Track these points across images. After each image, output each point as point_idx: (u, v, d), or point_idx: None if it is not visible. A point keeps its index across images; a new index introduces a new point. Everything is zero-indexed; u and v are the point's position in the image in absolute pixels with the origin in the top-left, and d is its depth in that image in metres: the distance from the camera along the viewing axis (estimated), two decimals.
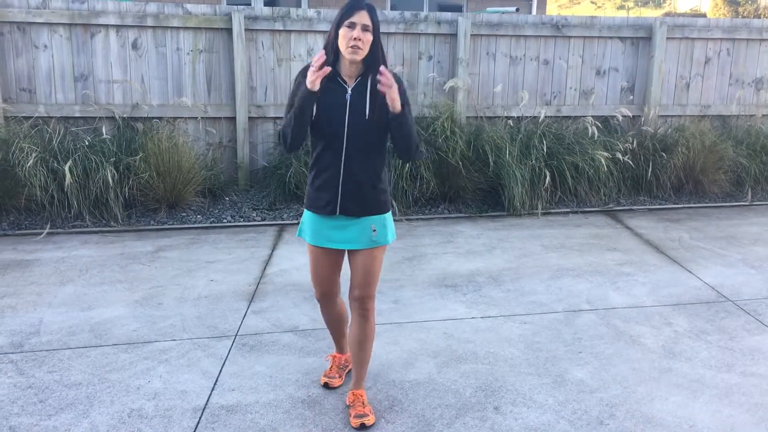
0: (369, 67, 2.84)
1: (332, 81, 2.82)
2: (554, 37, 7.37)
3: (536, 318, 4.20)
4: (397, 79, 2.89)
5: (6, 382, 3.35)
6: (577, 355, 3.71)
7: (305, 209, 3.03)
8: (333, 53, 2.81)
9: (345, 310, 3.29)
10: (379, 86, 2.71)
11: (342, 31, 2.74)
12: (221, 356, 3.66)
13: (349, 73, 2.86)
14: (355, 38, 2.72)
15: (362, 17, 2.71)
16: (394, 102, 2.72)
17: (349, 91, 2.84)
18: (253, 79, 6.90)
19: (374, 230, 2.94)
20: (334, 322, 3.30)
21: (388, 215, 3.01)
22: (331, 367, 3.41)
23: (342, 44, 2.76)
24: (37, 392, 3.26)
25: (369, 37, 2.75)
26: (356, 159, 2.86)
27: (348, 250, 3.02)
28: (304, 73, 2.81)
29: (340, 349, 3.44)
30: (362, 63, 2.84)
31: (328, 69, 2.66)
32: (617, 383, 3.41)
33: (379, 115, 2.83)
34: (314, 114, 2.82)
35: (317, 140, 2.92)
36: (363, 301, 3.01)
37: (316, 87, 2.69)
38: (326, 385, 3.33)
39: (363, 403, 3.07)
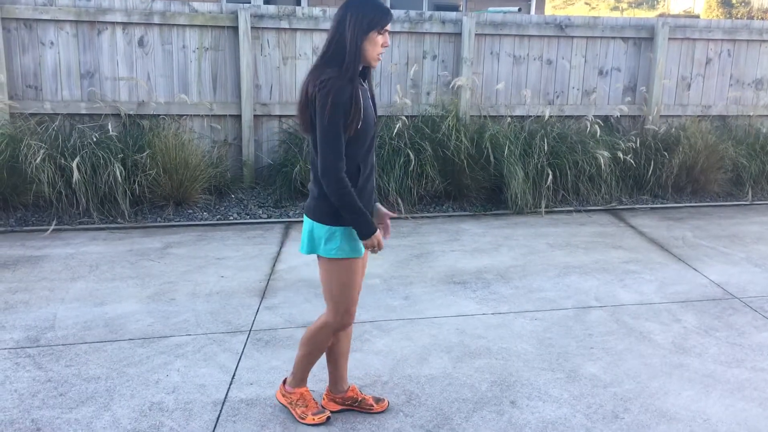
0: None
1: (361, 85, 2.73)
2: (557, 37, 7.42)
3: (546, 314, 4.25)
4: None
5: (25, 376, 3.37)
6: (589, 351, 3.75)
7: (341, 226, 2.70)
8: (357, 58, 2.63)
9: None
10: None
11: (378, 39, 2.65)
12: (237, 351, 3.68)
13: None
14: (384, 45, 2.70)
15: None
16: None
17: (369, 94, 2.83)
18: (258, 78, 6.91)
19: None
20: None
21: None
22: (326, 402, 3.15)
23: (373, 51, 2.66)
24: (57, 386, 3.28)
25: None
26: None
27: None
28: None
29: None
30: None
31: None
32: (630, 378, 3.46)
33: None
34: (361, 121, 2.65)
35: (360, 147, 2.70)
36: None
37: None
38: (328, 419, 3.04)
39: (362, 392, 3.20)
